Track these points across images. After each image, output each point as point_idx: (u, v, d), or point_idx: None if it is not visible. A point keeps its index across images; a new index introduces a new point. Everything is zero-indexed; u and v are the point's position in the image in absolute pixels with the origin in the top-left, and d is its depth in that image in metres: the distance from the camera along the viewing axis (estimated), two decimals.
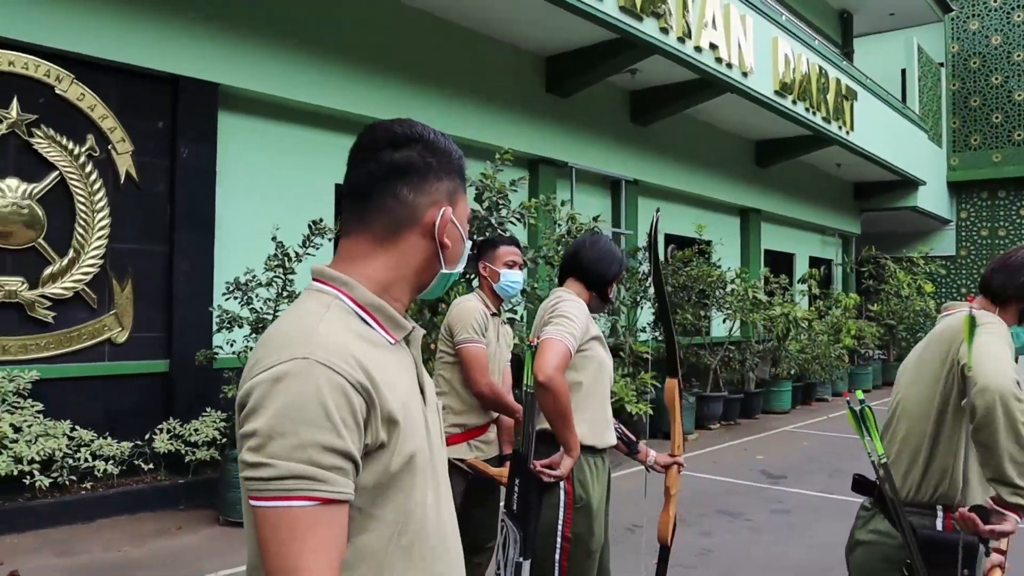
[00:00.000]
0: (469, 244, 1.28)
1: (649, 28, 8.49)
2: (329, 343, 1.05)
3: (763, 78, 10.68)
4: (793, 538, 5.51)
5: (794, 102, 11.40)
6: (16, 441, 5.04)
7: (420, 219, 1.19)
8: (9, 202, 5.42)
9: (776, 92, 10.95)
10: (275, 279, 5.66)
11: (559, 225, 8.05)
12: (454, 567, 1.21)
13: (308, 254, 5.67)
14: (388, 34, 7.66)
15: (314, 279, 1.19)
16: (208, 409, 5.95)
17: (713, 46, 9.47)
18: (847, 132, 13.06)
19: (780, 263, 15.40)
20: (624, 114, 10.83)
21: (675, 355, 3.10)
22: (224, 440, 5.80)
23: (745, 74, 10.18)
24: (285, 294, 5.69)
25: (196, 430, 5.79)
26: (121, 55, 5.84)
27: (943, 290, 19.10)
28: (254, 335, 5.56)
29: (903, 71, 17.96)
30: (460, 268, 1.27)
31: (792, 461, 8.25)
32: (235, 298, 5.66)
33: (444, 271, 1.23)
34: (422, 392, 1.22)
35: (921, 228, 19.25)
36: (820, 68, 12.16)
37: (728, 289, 9.51)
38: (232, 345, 5.73)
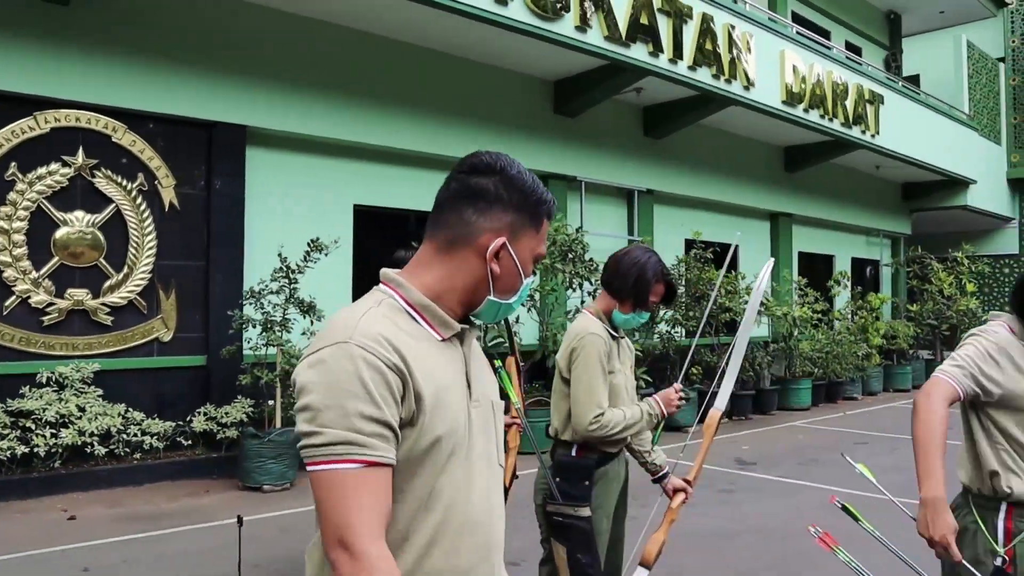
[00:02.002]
0: (529, 281, 1.35)
1: (638, 53, 9.30)
2: (367, 330, 1.18)
3: (769, 90, 11.25)
4: (720, 511, 6.21)
5: (806, 110, 11.89)
6: (80, 418, 6.40)
7: (476, 240, 1.29)
8: (77, 230, 6.82)
9: (784, 102, 11.49)
10: (282, 288, 6.84)
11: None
12: (487, 546, 1.31)
13: (307, 266, 6.83)
14: (402, 72, 8.76)
15: (380, 280, 1.33)
16: (238, 397, 7.19)
17: (708, 63, 10.16)
18: (872, 136, 13.36)
19: (818, 265, 15.70)
20: (637, 129, 11.61)
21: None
22: (247, 421, 7.02)
23: (747, 87, 10.80)
24: (292, 300, 6.85)
25: (227, 413, 7.03)
26: (165, 107, 7.17)
27: (996, 289, 18.78)
28: (264, 333, 6.75)
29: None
30: (514, 301, 1.35)
31: (773, 451, 8.82)
32: (250, 304, 6.87)
33: (491, 298, 1.31)
34: (469, 386, 1.31)
35: (980, 227, 18.97)
36: (835, 76, 12.55)
37: (722, 291, 10.13)
38: (249, 343, 6.94)
